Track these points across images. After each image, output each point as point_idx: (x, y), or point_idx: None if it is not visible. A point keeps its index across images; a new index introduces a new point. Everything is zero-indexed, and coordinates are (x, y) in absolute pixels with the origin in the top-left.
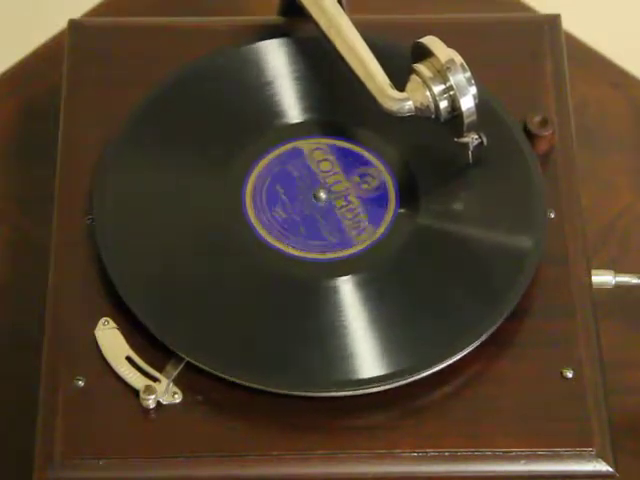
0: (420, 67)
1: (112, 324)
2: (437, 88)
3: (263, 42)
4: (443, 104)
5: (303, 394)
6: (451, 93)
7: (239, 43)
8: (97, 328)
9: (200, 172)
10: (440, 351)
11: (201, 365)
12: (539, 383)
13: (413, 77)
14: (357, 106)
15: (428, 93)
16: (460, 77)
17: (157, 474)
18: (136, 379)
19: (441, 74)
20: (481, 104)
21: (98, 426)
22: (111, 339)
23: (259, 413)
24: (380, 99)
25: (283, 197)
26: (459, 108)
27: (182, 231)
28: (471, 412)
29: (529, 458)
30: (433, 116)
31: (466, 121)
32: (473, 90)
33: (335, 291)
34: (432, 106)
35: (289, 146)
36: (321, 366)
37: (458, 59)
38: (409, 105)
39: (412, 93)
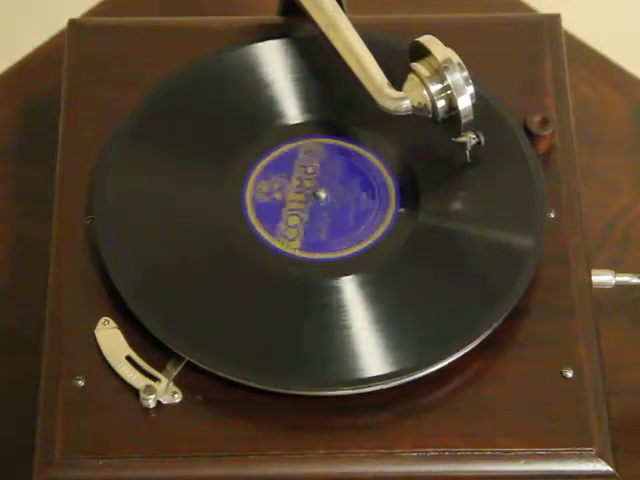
0: (418, 66)
1: (112, 324)
2: (434, 87)
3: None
4: (440, 103)
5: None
6: (448, 92)
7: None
8: (97, 328)
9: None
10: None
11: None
12: (539, 383)
13: (411, 76)
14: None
15: (425, 92)
16: (457, 76)
17: (157, 474)
18: (136, 379)
19: (439, 73)
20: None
21: (98, 426)
22: (111, 339)
23: (259, 413)
24: (378, 98)
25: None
26: (456, 107)
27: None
28: (471, 412)
29: (529, 458)
30: (430, 115)
31: (463, 121)
32: (470, 90)
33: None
34: (429, 105)
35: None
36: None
37: (455, 58)
38: (407, 104)
39: (410, 92)
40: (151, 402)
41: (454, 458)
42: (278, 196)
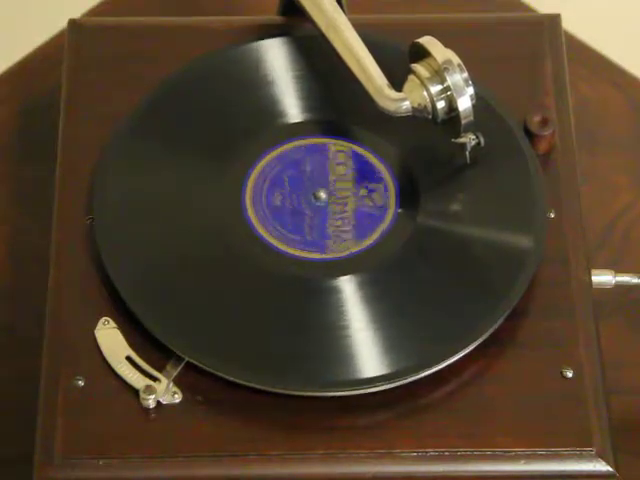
0: (418, 67)
1: (112, 324)
2: (434, 88)
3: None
4: (440, 104)
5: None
6: (448, 93)
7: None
8: (97, 328)
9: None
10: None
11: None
12: (539, 383)
13: (411, 77)
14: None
15: (425, 93)
16: (457, 78)
17: (157, 474)
18: (136, 379)
19: (439, 74)
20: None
21: (98, 426)
22: (111, 339)
23: (259, 413)
24: (378, 99)
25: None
26: (456, 109)
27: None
28: (471, 412)
29: (529, 458)
30: (430, 116)
31: (463, 122)
32: (470, 91)
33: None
34: (429, 106)
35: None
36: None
37: (455, 59)
38: (406, 105)
39: (409, 93)
40: (151, 402)
41: (454, 458)
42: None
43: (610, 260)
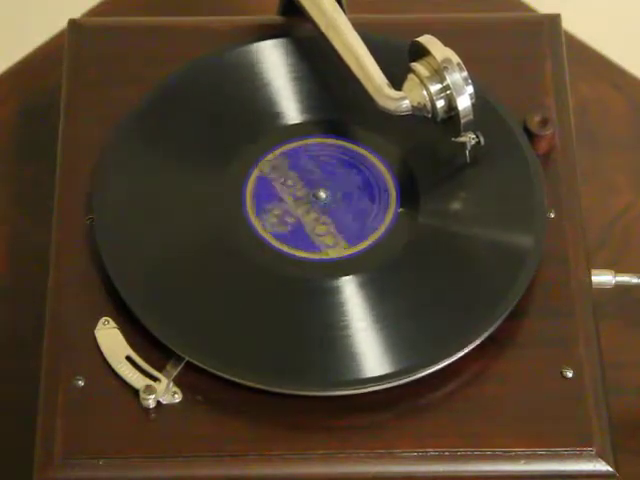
0: (417, 66)
1: (112, 324)
2: (434, 87)
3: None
4: (440, 103)
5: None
6: (448, 92)
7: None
8: (97, 328)
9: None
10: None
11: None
12: (539, 383)
13: (410, 76)
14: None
15: (425, 92)
16: (457, 76)
17: (157, 474)
18: (136, 379)
19: (438, 73)
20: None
21: (98, 426)
22: (111, 339)
23: (259, 413)
24: (377, 98)
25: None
26: (456, 107)
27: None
28: (471, 412)
29: (529, 458)
30: (430, 115)
31: (462, 121)
32: (470, 90)
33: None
34: (429, 105)
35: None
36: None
37: (455, 58)
38: (406, 104)
39: (409, 92)
40: (151, 402)
41: (454, 458)
42: (291, 219)
43: (610, 260)
